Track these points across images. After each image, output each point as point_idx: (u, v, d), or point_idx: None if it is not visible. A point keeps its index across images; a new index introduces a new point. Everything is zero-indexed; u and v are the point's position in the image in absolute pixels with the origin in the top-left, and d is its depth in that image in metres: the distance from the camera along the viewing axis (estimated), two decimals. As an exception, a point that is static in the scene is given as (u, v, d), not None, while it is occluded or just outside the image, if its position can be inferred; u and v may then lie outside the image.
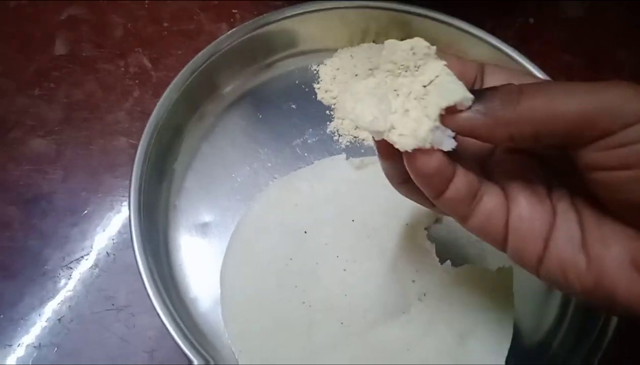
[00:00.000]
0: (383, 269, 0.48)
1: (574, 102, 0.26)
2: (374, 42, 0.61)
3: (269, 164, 0.55)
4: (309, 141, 0.56)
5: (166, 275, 0.47)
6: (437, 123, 0.28)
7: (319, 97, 0.59)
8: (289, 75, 0.60)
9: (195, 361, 0.41)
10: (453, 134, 0.29)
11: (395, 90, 0.29)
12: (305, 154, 0.56)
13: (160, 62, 0.61)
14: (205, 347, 0.43)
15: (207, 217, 0.51)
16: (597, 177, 0.27)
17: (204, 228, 0.51)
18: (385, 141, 0.29)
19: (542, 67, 0.57)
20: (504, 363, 0.46)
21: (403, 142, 0.28)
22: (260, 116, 0.57)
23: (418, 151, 0.28)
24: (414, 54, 0.29)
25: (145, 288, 0.42)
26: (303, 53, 0.61)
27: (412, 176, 0.30)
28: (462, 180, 0.30)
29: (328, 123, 0.58)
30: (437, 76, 0.28)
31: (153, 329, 0.47)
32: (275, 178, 0.54)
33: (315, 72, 0.61)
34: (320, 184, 0.53)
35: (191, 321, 0.46)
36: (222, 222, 0.51)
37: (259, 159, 0.55)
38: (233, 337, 0.45)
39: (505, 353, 0.46)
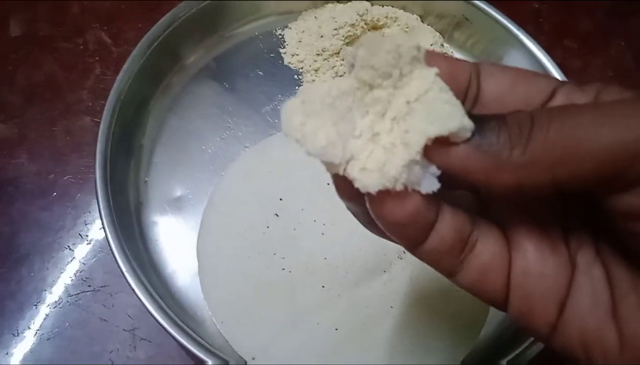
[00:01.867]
0: (361, 230, 0.47)
1: (607, 132, 0.18)
2: (338, 1, 0.60)
3: (240, 133, 0.54)
4: (278, 107, 0.55)
5: (141, 253, 0.46)
6: (419, 156, 0.20)
7: (285, 62, 0.58)
8: (253, 41, 0.59)
9: (177, 336, 0.40)
10: (438, 171, 0.21)
11: (365, 106, 0.21)
12: (276, 121, 0.55)
13: (119, 37, 0.60)
14: (186, 321, 0.42)
15: (179, 191, 0.50)
16: (636, 228, 0.20)
17: (177, 202, 0.50)
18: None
19: (510, 15, 0.56)
20: (488, 313, 0.46)
21: (365, 180, 0.20)
22: (227, 85, 0.56)
23: (385, 194, 0.20)
24: (400, 56, 0.20)
25: (119, 266, 0.41)
26: (266, 17, 0.60)
27: (377, 223, 0.22)
28: (447, 225, 0.22)
29: (297, 87, 0.57)
30: (426, 91, 0.20)
31: (132, 307, 0.46)
32: (247, 147, 0.53)
33: (280, 36, 0.59)
34: (293, 149, 0.52)
35: (170, 296, 0.45)
36: (195, 195, 0.50)
37: (228, 129, 0.54)
38: (214, 308, 0.45)
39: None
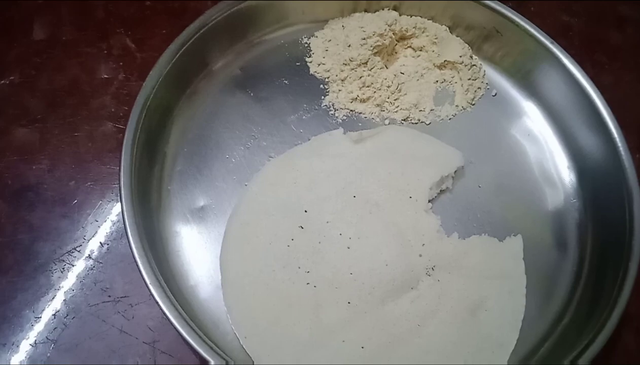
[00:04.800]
0: (388, 245, 0.47)
1: None
2: (365, 11, 0.59)
3: (264, 143, 0.53)
4: (304, 117, 0.54)
5: (163, 263, 0.45)
6: None
7: (311, 71, 0.57)
8: (279, 49, 0.58)
9: (199, 350, 0.39)
10: None
11: None
12: (301, 131, 0.54)
13: (144, 42, 0.59)
14: (208, 335, 0.41)
15: (202, 201, 0.49)
16: None
17: (200, 212, 0.49)
18: None
19: (541, 27, 0.55)
20: (518, 335, 0.44)
21: None
22: (252, 93, 0.55)
23: None
24: None
25: (143, 277, 0.40)
26: (292, 26, 0.59)
27: None
28: None
29: (323, 97, 0.56)
30: None
31: (153, 319, 0.45)
32: (272, 157, 0.52)
33: (306, 45, 0.58)
34: (319, 160, 0.51)
35: (192, 309, 0.44)
36: (218, 206, 0.49)
37: (253, 138, 0.53)
38: (237, 323, 0.44)
39: (519, 325, 0.45)
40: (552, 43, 0.53)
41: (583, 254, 0.49)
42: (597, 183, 0.51)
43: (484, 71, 0.58)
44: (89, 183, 0.51)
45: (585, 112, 0.52)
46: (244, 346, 0.43)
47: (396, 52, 0.58)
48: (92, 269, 0.47)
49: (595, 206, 0.51)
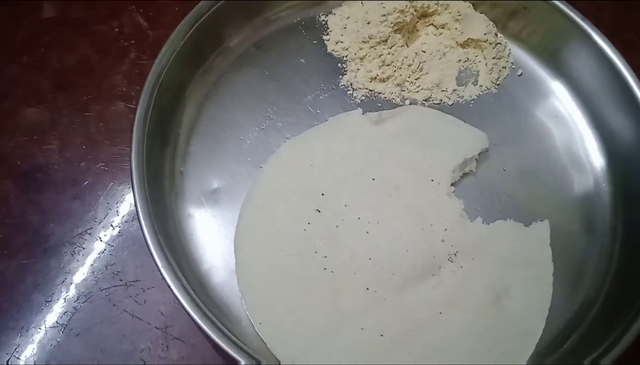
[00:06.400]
0: (409, 229, 0.45)
1: None
2: (385, -14, 0.57)
3: (280, 124, 0.51)
4: (321, 97, 0.52)
5: (176, 247, 0.43)
6: None
7: (329, 50, 0.55)
8: (296, 27, 0.56)
9: (214, 336, 0.38)
10: None
11: None
12: (318, 111, 0.52)
13: (156, 20, 0.57)
14: (222, 321, 0.39)
15: (216, 183, 0.48)
16: None
17: (214, 194, 0.47)
18: None
19: (570, 3, 0.52)
20: (544, 325, 0.42)
21: None
22: (267, 73, 0.53)
23: None
24: None
25: (155, 261, 0.39)
26: (310, 3, 0.57)
27: None
28: None
29: (340, 77, 0.54)
30: None
31: (165, 304, 0.44)
32: (287, 138, 0.50)
33: (323, 22, 0.56)
34: (336, 142, 0.49)
35: (206, 294, 0.42)
36: (233, 188, 0.48)
37: (268, 119, 0.51)
38: (251, 309, 0.42)
39: (546, 314, 0.43)
40: (582, 19, 0.51)
41: (613, 241, 0.47)
42: (629, 167, 0.49)
43: (509, 50, 0.56)
44: (100, 164, 0.50)
45: (617, 93, 0.50)
46: (259, 333, 0.41)
47: (417, 30, 0.56)
48: (103, 252, 0.46)
49: (626, 191, 0.48)
